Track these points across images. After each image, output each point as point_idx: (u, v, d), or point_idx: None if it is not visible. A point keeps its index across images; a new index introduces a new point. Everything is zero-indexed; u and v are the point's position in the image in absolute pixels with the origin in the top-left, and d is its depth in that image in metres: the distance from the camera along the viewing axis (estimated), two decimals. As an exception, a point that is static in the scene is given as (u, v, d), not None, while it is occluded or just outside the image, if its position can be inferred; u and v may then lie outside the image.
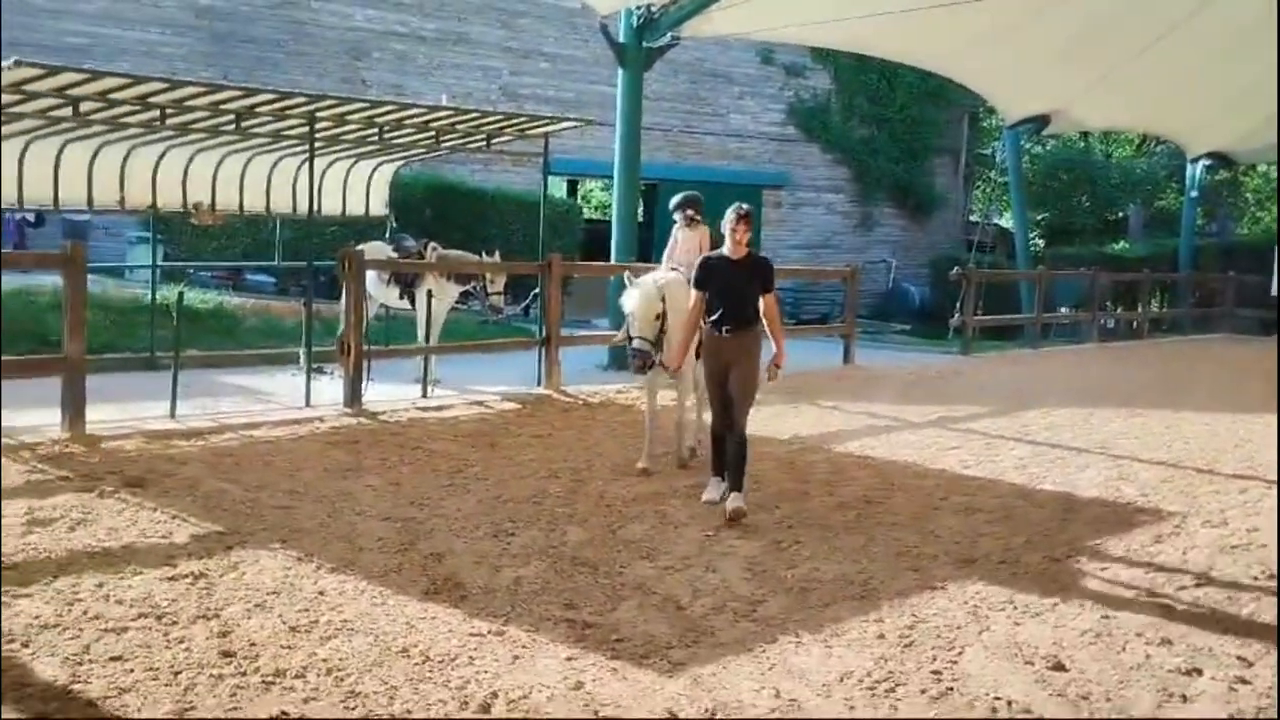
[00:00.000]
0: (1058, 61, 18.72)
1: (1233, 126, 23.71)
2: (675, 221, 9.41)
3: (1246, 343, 23.15)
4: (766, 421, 10.99)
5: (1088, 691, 4.84)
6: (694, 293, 7.59)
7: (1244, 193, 37.14)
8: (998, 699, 4.70)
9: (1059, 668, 5.07)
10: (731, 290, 7.48)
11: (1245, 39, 17.72)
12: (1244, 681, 4.99)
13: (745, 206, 7.64)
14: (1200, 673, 5.07)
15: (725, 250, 7.54)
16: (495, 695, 4.52)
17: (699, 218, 9.34)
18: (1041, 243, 32.90)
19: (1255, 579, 6.58)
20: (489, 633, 5.18)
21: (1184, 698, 4.81)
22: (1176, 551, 7.11)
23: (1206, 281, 26.78)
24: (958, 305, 18.85)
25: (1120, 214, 35.21)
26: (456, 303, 12.73)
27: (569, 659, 4.92)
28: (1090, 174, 33.46)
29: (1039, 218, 33.73)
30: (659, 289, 8.31)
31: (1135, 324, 25.05)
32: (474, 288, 12.49)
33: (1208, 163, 26.39)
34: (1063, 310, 24.09)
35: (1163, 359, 19.50)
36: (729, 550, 6.68)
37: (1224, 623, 5.78)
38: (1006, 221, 32.59)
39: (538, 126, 12.81)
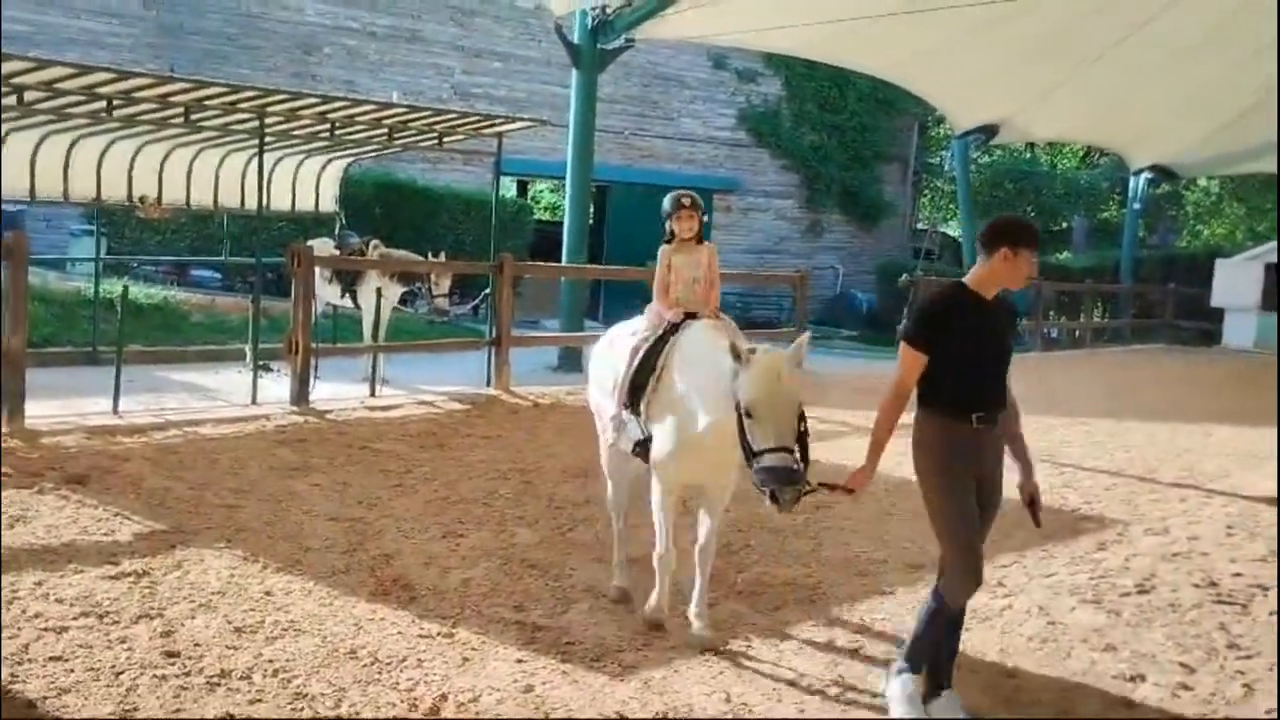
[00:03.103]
0: (1007, 72, 18.95)
1: (1175, 140, 24.12)
2: (668, 231, 5.85)
3: (1185, 354, 23.53)
4: (716, 425, 11.01)
5: (1035, 698, 4.88)
6: (909, 354, 4.48)
7: (1184, 206, 37.79)
8: (974, 672, 4.73)
9: (1007, 674, 5.12)
10: (987, 351, 4.49)
11: (1187, 56, 18.03)
12: (1186, 688, 5.07)
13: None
14: (1144, 679, 5.14)
15: (969, 280, 4.54)
16: (445, 697, 4.48)
17: (699, 224, 5.92)
18: (987, 252, 33.17)
19: (1196, 586, 6.68)
20: (438, 634, 5.14)
21: (1128, 704, 4.87)
22: (1119, 559, 7.20)
23: (1147, 293, 27.20)
24: (905, 311, 18.97)
25: (1064, 224, 35.71)
26: (400, 303, 12.65)
27: (519, 661, 4.90)
28: (1036, 184, 33.92)
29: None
30: (787, 362, 4.76)
31: (1078, 334, 25.43)
32: (418, 287, 12.40)
33: (1150, 175, 26.81)
34: (1007, 319, 24.26)
35: (1104, 369, 19.76)
36: (679, 554, 6.66)
37: (1167, 629, 5.86)
38: (953, 230, 32.94)
39: (492, 126, 12.75)
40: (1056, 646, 5.52)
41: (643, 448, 5.44)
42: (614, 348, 5.92)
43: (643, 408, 5.38)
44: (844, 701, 4.72)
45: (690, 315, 5.61)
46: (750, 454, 4.61)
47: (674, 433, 5.19)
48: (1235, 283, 25.03)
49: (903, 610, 5.89)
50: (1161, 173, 26.87)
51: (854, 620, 5.67)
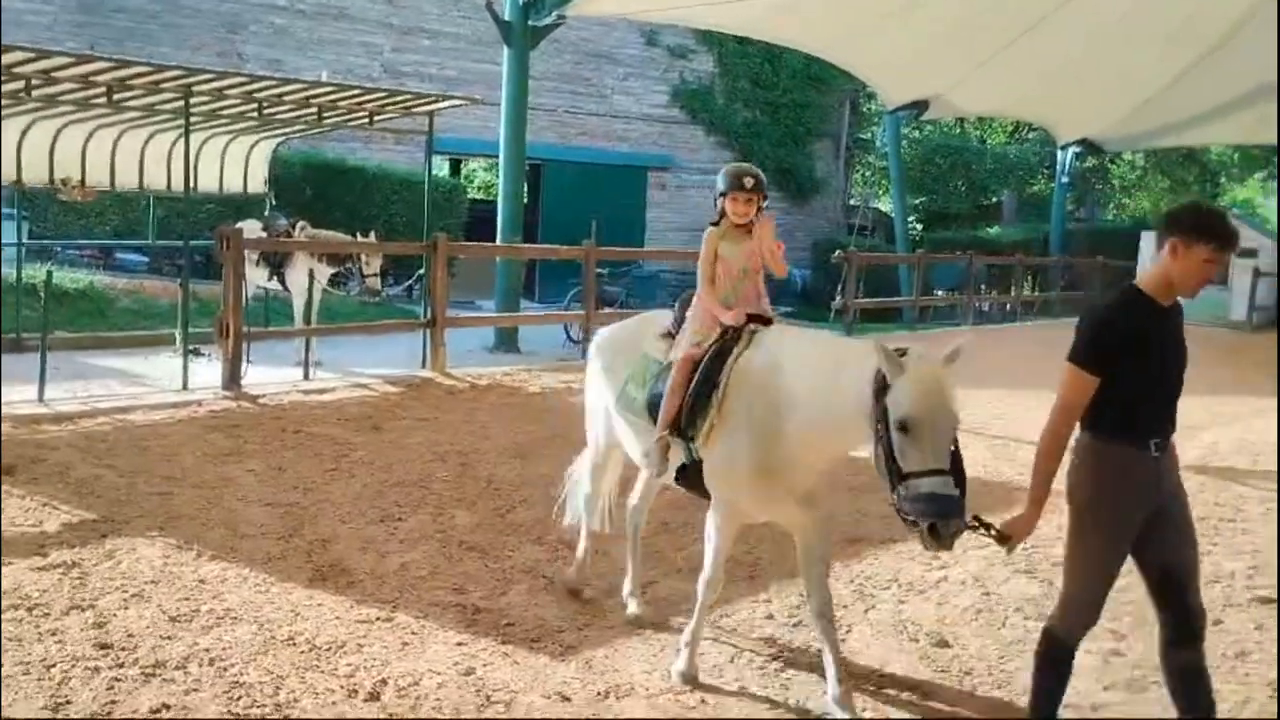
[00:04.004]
0: (936, 48, 19.05)
1: (1100, 115, 24.41)
2: (721, 207, 4.85)
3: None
4: (653, 403, 11.03)
5: (970, 667, 4.96)
6: (1078, 377, 3.80)
7: (1111, 179, 38.49)
8: (884, 675, 4.79)
9: (943, 644, 5.20)
10: (1170, 367, 3.89)
11: (1113, 31, 18.24)
12: (1117, 654, 5.17)
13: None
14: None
15: (1143, 282, 3.89)
16: (384, 682, 4.46)
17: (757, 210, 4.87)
18: (920, 227, 33.60)
19: (1126, 554, 6.81)
20: (377, 619, 5.11)
21: (1061, 670, 4.95)
22: (1052, 528, 7.30)
23: (1076, 265, 27.61)
24: (839, 288, 19.13)
25: (994, 199, 36.15)
26: (332, 284, 12.50)
27: (459, 644, 4.88)
28: (966, 159, 34.29)
29: (917, 202, 34.44)
30: (946, 370, 3.94)
31: (1008, 307, 25.78)
32: (347, 268, 12.26)
33: (1077, 150, 27.17)
34: (940, 293, 24.65)
35: (1035, 341, 20.03)
36: (618, 533, 6.66)
37: (1097, 597, 5.97)
38: (886, 205, 33.20)
39: (423, 104, 12.63)
40: (992, 616, 5.61)
41: (687, 476, 4.67)
42: (635, 355, 5.05)
43: (701, 430, 4.51)
44: (784, 676, 4.76)
45: (754, 318, 4.71)
46: (897, 477, 3.81)
47: (755, 457, 4.34)
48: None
49: (839, 584, 5.95)
50: (1088, 147, 27.22)
51: (793, 595, 5.71)
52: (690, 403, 4.56)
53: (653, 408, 4.76)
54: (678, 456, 4.68)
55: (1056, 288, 27.31)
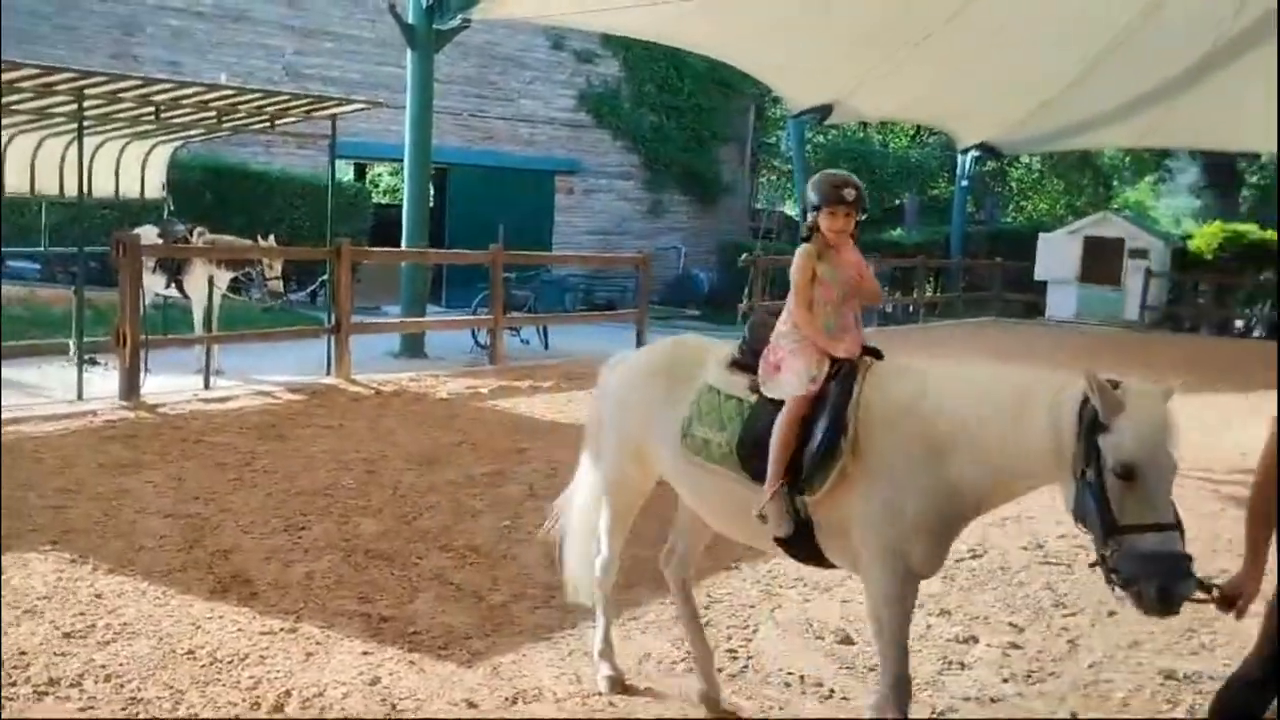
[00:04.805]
0: (838, 54, 19.31)
1: (998, 119, 24.94)
2: (809, 224, 4.17)
3: (1013, 326, 24.48)
4: (561, 408, 11.03)
5: (874, 663, 5.02)
6: None
7: (1009, 182, 39.38)
8: (790, 673, 4.84)
9: (847, 641, 5.27)
10: None
11: (1008, 37, 18.65)
12: (1016, 647, 5.29)
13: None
14: (976, 640, 5.35)
15: None
16: (288, 694, 4.39)
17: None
18: (823, 230, 33.96)
19: (1024, 548, 6.98)
20: (280, 630, 5.03)
21: (962, 665, 5.06)
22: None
23: (976, 267, 28.18)
24: (746, 290, 19.30)
25: (897, 202, 36.74)
26: (233, 290, 12.29)
27: (365, 654, 4.83)
28: (869, 163, 34.76)
29: (822, 205, 34.82)
30: (1168, 407, 3.39)
31: (911, 308, 26.24)
32: (247, 273, 12.06)
33: (976, 154, 27.73)
34: (844, 295, 24.92)
35: (937, 341, 20.41)
36: (527, 538, 6.65)
37: (997, 591, 6.11)
38: (790, 209, 33.57)
39: (324, 107, 12.48)
40: (895, 613, 5.69)
41: (798, 538, 3.98)
42: (690, 388, 4.28)
43: (822, 484, 3.81)
44: (692, 675, 4.78)
45: (868, 351, 4.11)
46: (1111, 530, 3.25)
47: (913, 511, 3.70)
48: (1057, 256, 26.12)
49: (748, 584, 6.01)
50: (987, 151, 27.80)
51: (701, 596, 5.74)
52: (813, 451, 3.84)
53: (747, 456, 4.01)
54: (785, 512, 3.94)
55: (958, 289, 27.83)
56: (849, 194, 4.05)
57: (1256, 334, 26.72)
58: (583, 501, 4.89)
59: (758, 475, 3.96)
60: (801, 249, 4.15)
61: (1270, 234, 26.86)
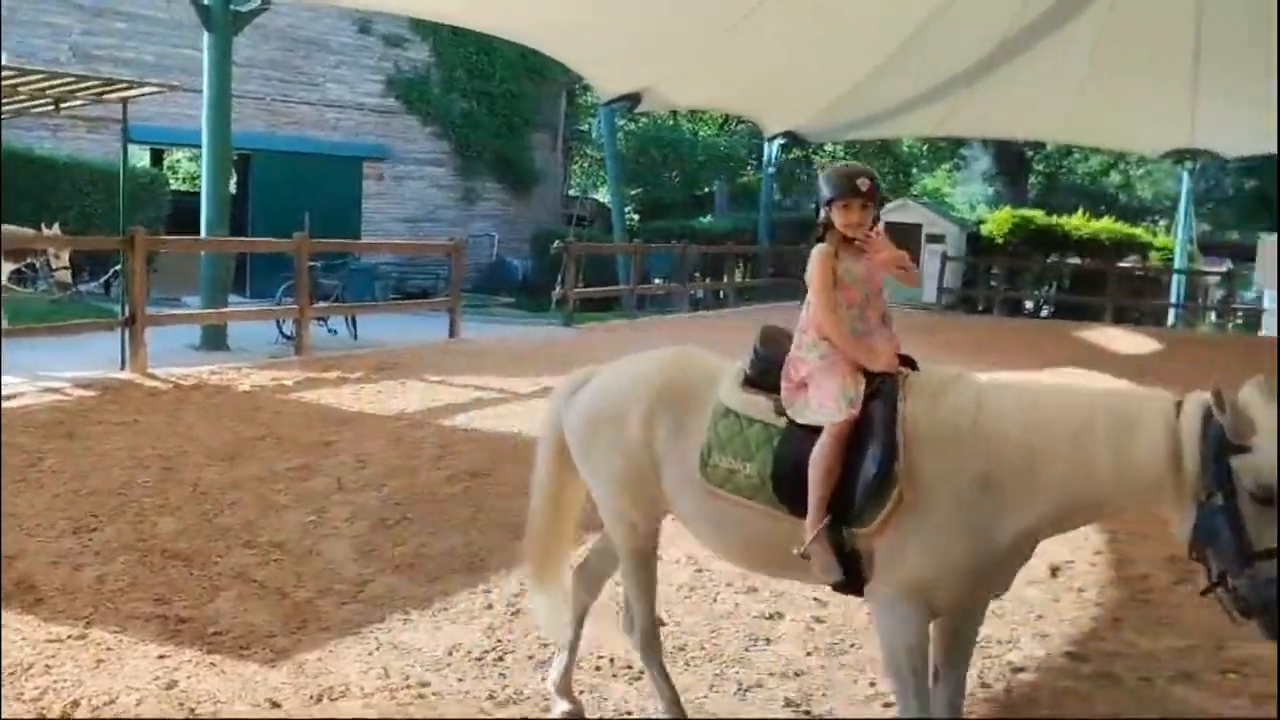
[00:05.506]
0: (647, 42, 19.51)
1: (801, 108, 25.63)
2: (823, 220, 3.78)
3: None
4: (371, 399, 10.83)
5: (684, 642, 5.10)
6: None
7: (815, 169, 40.43)
8: (601, 657, 4.87)
9: (658, 621, 5.31)
10: None
11: (813, 28, 19.17)
12: (819, 621, 5.44)
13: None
14: (782, 616, 5.47)
15: None
16: (77, 704, 4.19)
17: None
18: (637, 217, 34.31)
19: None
20: (69, 637, 4.79)
21: (768, 640, 5.18)
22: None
23: (783, 253, 28.88)
24: (559, 278, 19.33)
25: (707, 189, 37.36)
26: (18, 281, 11.66)
27: (161, 657, 4.64)
28: (680, 151, 35.24)
29: (633, 193, 35.17)
30: None
31: (721, 293, 26.75)
32: (30, 264, 11.46)
33: (782, 141, 28.44)
34: (656, 281, 25.34)
35: (744, 326, 20.80)
36: (334, 532, 6.52)
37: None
38: (604, 196, 33.73)
39: (114, 91, 11.94)
40: (705, 592, 5.79)
41: (850, 575, 3.54)
42: (700, 413, 3.79)
43: (876, 514, 3.40)
44: (502, 665, 4.77)
45: (902, 360, 3.66)
46: (1247, 558, 2.98)
47: (971, 542, 3.34)
48: (859, 241, 26.92)
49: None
50: (793, 139, 28.54)
51: (512, 586, 5.72)
52: (867, 481, 3.42)
53: (784, 488, 3.56)
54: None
55: (766, 274, 28.47)
56: (863, 185, 3.66)
57: (1044, 314, 28.16)
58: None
59: (796, 508, 3.55)
60: (817, 249, 3.75)
61: (1055, 219, 28.32)
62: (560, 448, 4.16)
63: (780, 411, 3.66)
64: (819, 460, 3.47)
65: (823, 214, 3.75)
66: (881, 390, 3.52)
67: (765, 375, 3.76)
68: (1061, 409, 3.34)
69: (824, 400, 3.55)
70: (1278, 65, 17.25)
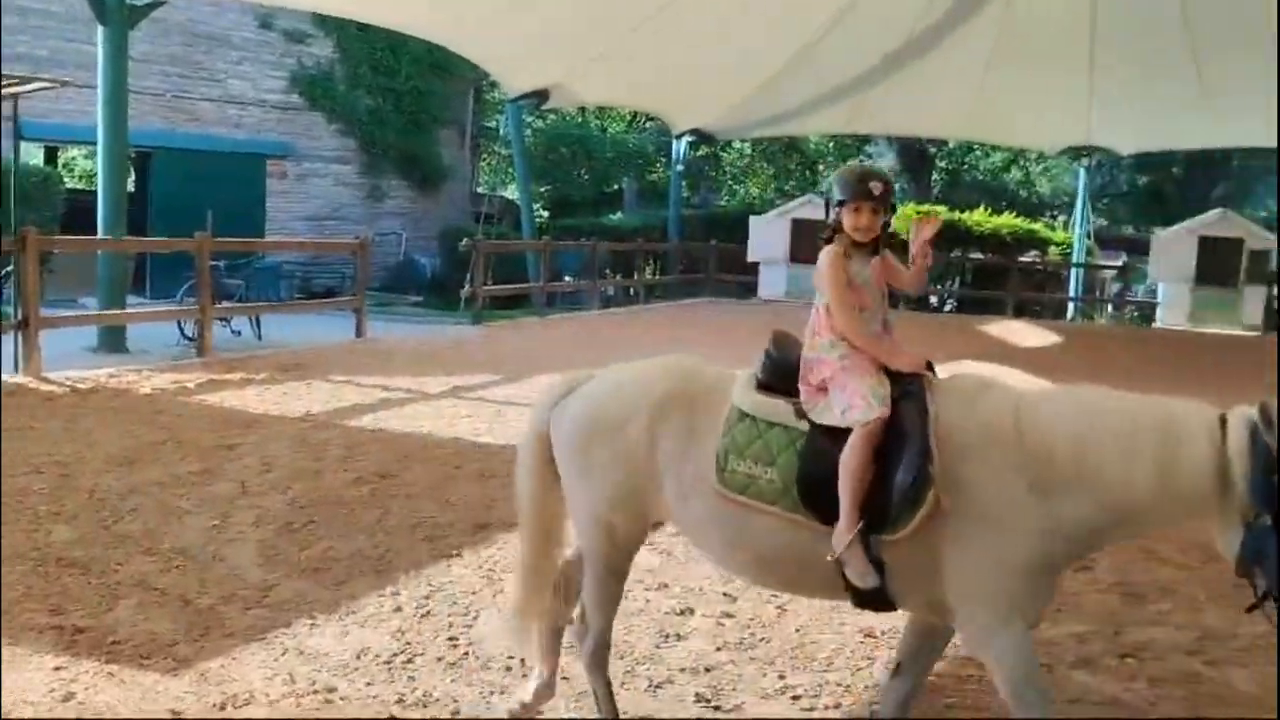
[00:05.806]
0: (553, 38, 19.47)
1: (709, 106, 25.79)
2: (832, 222, 3.75)
3: (726, 305, 25.34)
4: (276, 400, 10.68)
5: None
6: None
7: (722, 166, 40.73)
8: (511, 658, 4.85)
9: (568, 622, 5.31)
10: None
11: (720, 26, 19.30)
12: (729, 616, 5.48)
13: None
14: (692, 612, 5.51)
15: None
16: (-34, 720, 4.07)
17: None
18: (546, 214, 34.23)
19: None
20: (-41, 652, 4.64)
21: (679, 636, 5.21)
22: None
23: (692, 250, 29.01)
24: (468, 276, 19.21)
25: (616, 186, 37.39)
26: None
27: (57, 669, 4.52)
28: (588, 148, 35.23)
29: (542, 190, 35.07)
30: None
31: (631, 290, 26.82)
32: None
33: (691, 139, 28.57)
34: (566, 279, 25.29)
35: (656, 323, 20.89)
36: (238, 537, 6.41)
37: (710, 565, 6.30)
38: (512, 193, 33.60)
39: (4, 86, 11.59)
40: (615, 590, 5.79)
41: (879, 590, 3.45)
42: (714, 417, 3.66)
43: (908, 520, 3.33)
44: (411, 668, 4.73)
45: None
46: None
47: (1026, 554, 3.30)
48: (767, 238, 27.13)
49: (469, 571, 5.98)
50: (701, 136, 28.68)
51: (421, 587, 5.68)
52: (901, 484, 3.35)
53: (813, 494, 3.47)
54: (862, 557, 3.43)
55: (675, 271, 28.58)
56: (876, 188, 3.61)
57: (948, 308, 28.63)
58: (532, 569, 4.16)
59: (820, 513, 3.46)
60: (827, 250, 3.69)
61: (958, 215, 28.79)
62: (545, 457, 3.98)
63: (801, 414, 3.59)
64: (850, 462, 3.40)
65: (832, 215, 3.71)
66: (910, 392, 3.48)
67: (779, 378, 3.69)
68: (1105, 418, 3.29)
69: (853, 400, 3.49)
70: (1278, 65, 17.44)
